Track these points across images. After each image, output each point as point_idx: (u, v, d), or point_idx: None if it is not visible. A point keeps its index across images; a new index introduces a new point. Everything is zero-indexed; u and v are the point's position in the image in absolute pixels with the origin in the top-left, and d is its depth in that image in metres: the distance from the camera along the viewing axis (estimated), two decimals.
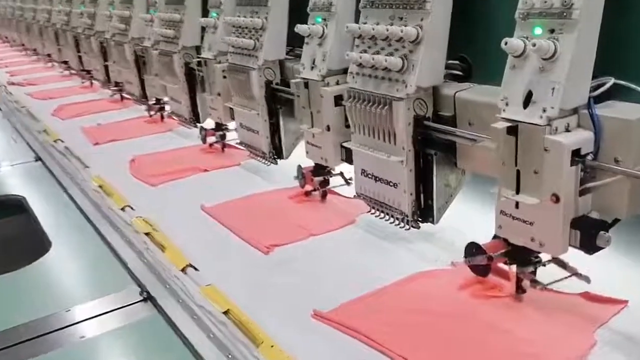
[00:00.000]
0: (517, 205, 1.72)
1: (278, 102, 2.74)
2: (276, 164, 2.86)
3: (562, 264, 1.74)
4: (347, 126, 2.23)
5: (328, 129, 2.31)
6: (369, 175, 2.18)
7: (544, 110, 1.58)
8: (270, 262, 2.11)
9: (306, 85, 2.36)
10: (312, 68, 2.36)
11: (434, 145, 2.03)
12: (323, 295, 1.87)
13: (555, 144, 1.57)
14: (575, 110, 1.61)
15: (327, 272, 2.03)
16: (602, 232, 1.59)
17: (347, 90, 2.13)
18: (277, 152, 2.85)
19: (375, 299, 1.86)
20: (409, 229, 2.16)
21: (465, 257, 1.81)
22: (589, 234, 1.61)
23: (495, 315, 1.74)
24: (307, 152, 2.49)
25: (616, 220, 1.64)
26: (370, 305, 1.82)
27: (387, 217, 2.22)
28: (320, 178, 2.55)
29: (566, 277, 1.72)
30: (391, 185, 2.12)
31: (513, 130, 1.65)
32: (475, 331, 1.68)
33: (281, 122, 2.84)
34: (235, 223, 2.36)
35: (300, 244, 2.20)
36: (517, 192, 1.70)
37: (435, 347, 1.63)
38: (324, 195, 2.57)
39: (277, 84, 2.75)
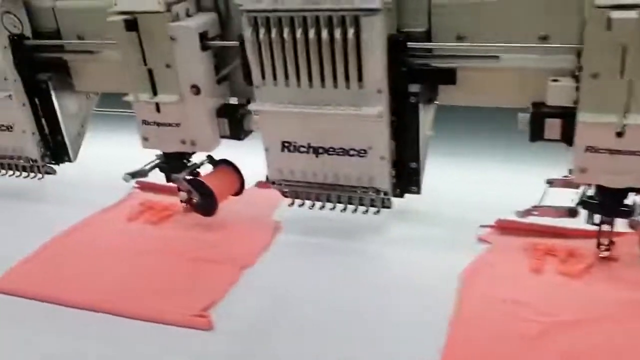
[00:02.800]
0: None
1: (41, 69, 1.75)
2: (54, 172, 1.91)
3: None
4: (219, 82, 1.55)
5: (197, 91, 1.49)
6: (303, 148, 1.47)
7: None
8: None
9: (132, 24, 1.44)
10: None
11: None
12: None
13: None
14: None
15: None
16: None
17: (251, 17, 1.36)
18: (54, 153, 1.86)
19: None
20: (378, 211, 1.51)
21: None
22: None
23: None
24: (144, 140, 1.62)
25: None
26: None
27: (335, 204, 1.54)
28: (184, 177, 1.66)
29: None
30: (357, 154, 1.43)
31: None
32: None
33: (55, 104, 1.80)
34: (78, 294, 1.42)
35: (241, 291, 1.41)
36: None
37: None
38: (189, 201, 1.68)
39: (28, 37, 1.72)
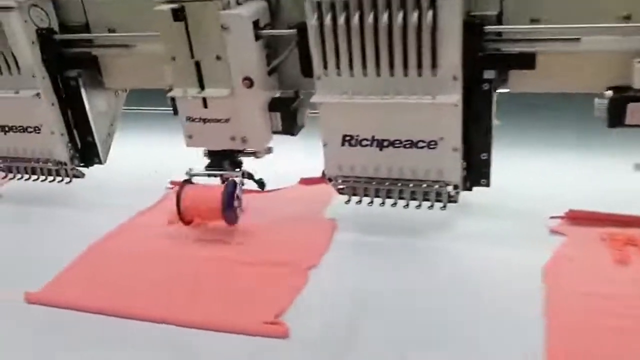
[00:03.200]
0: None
1: (70, 65, 1.63)
2: (83, 175, 1.79)
3: None
4: (270, 73, 1.44)
5: (250, 83, 1.39)
6: (366, 142, 1.38)
7: None
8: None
9: (179, 14, 1.34)
10: None
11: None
12: None
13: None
14: None
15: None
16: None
17: (315, 3, 1.27)
18: (83, 155, 1.74)
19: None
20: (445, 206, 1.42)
21: None
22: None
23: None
24: (188, 138, 1.51)
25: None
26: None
27: (397, 200, 1.45)
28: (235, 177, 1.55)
29: None
30: (427, 146, 1.34)
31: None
32: None
33: (85, 102, 1.67)
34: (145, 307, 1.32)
35: (311, 295, 1.32)
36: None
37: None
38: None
39: (55, 31, 1.59)
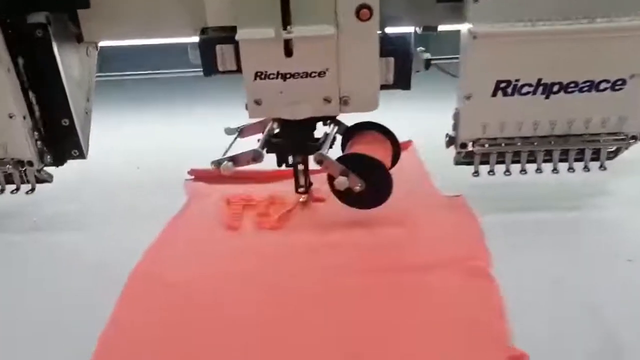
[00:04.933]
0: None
1: (34, 4, 1.04)
2: (51, 180, 1.22)
3: None
4: None
5: (369, 13, 0.94)
6: (528, 88, 1.00)
7: None
8: None
9: None
10: None
11: None
12: None
13: None
14: None
15: None
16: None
17: None
18: (55, 148, 1.17)
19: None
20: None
21: None
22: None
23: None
24: (255, 104, 1.03)
25: None
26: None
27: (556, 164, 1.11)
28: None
29: None
30: (611, 87, 1.01)
31: None
32: None
33: (59, 64, 1.06)
34: None
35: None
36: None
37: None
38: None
39: None
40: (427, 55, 1.06)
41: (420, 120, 1.49)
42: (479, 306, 0.87)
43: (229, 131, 1.17)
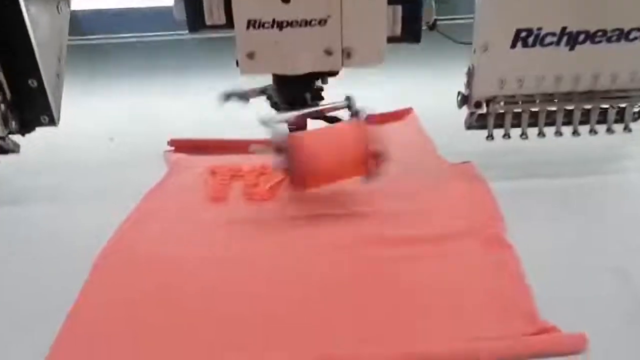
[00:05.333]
0: None
1: None
2: (18, 150, 1.06)
3: None
4: None
5: None
6: (551, 38, 0.91)
7: None
8: None
9: None
10: None
11: None
12: None
13: None
14: None
15: None
16: None
17: None
18: (22, 114, 1.02)
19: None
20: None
21: None
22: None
23: None
24: (248, 58, 0.91)
25: None
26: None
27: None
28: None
29: None
30: None
31: None
32: None
33: (26, 17, 0.92)
34: None
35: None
36: None
37: None
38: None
39: None
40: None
41: (423, 87, 1.40)
42: (501, 275, 0.77)
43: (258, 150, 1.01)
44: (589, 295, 0.74)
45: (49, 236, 0.93)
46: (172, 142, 1.18)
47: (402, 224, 0.89)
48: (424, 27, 0.97)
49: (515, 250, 0.81)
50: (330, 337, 0.67)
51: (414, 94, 1.36)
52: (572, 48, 0.92)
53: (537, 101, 0.98)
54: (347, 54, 0.92)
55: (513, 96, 0.97)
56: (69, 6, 1.10)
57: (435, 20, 0.97)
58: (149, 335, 0.69)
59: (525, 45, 0.92)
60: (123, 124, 1.34)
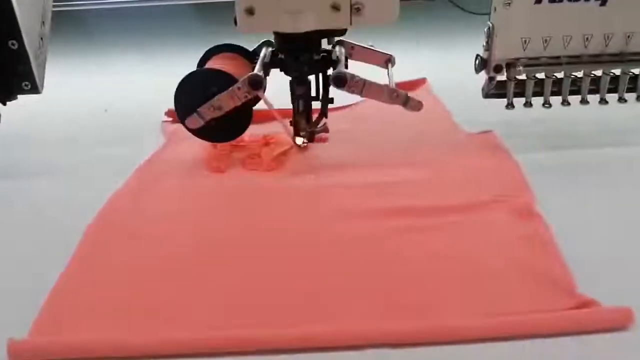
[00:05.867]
0: None
1: None
2: None
3: None
4: None
5: None
6: None
7: None
8: None
9: None
10: None
11: None
12: None
13: None
14: None
15: None
16: None
17: None
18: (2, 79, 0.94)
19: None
20: None
21: None
22: None
23: None
24: (247, 13, 0.85)
25: None
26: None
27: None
28: None
29: None
30: None
31: None
32: None
33: None
34: None
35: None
36: None
37: None
38: None
39: None
40: None
41: (433, 59, 1.32)
42: (533, 245, 0.68)
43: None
44: (630, 270, 0.66)
45: (36, 210, 0.86)
46: (169, 113, 1.10)
47: (423, 194, 0.81)
48: None
49: (545, 220, 0.72)
50: (346, 310, 0.59)
51: (426, 64, 1.28)
52: (603, 3, 0.84)
53: (563, 64, 0.90)
54: (356, 10, 0.84)
55: (537, 58, 0.89)
56: None
57: None
58: (143, 301, 0.62)
59: (551, 0, 0.84)
60: (118, 93, 1.26)
